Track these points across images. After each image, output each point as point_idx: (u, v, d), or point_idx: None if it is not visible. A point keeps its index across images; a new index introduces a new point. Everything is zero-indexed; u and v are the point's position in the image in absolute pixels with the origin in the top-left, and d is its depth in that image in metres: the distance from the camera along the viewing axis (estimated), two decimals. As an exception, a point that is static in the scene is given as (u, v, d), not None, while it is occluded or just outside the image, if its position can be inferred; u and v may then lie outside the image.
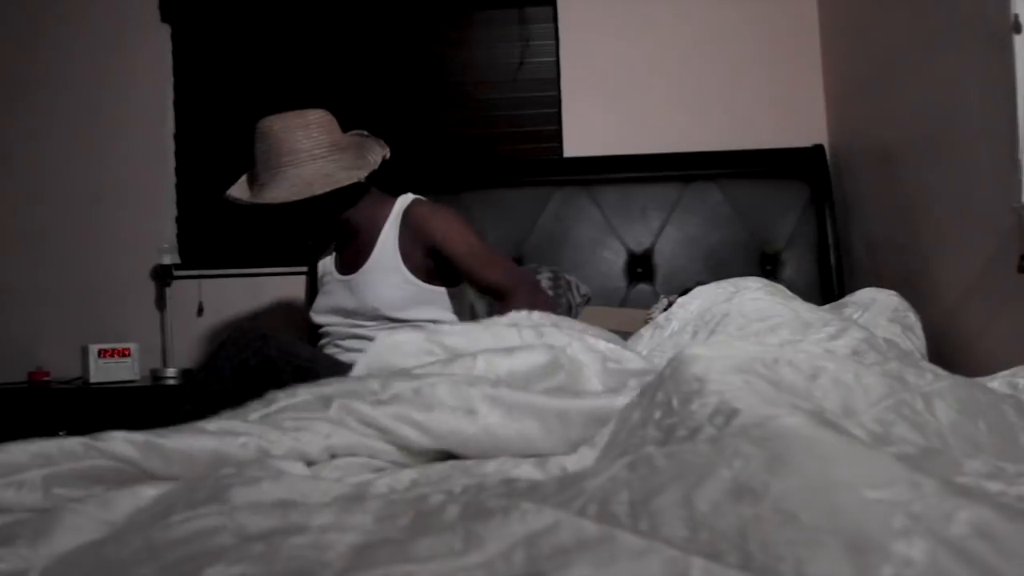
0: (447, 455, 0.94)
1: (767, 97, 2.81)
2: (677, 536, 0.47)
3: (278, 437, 0.89)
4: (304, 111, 1.94)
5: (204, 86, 3.02)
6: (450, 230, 1.90)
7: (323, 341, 2.00)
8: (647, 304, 2.51)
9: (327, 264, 2.07)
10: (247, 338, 1.66)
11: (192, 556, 0.51)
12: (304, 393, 1.00)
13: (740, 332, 1.23)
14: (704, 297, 1.87)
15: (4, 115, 3.05)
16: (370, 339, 1.82)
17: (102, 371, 2.54)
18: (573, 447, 0.94)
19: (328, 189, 1.84)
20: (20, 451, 0.73)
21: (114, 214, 3.00)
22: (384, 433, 0.94)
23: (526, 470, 0.81)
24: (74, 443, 0.77)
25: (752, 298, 1.50)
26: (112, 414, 2.43)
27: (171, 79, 3.02)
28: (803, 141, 2.73)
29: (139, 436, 0.81)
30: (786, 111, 2.81)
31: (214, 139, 3.01)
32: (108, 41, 3.02)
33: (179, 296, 2.91)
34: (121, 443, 0.79)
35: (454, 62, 2.90)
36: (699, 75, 2.83)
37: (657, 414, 0.83)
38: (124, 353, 2.58)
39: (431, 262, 1.93)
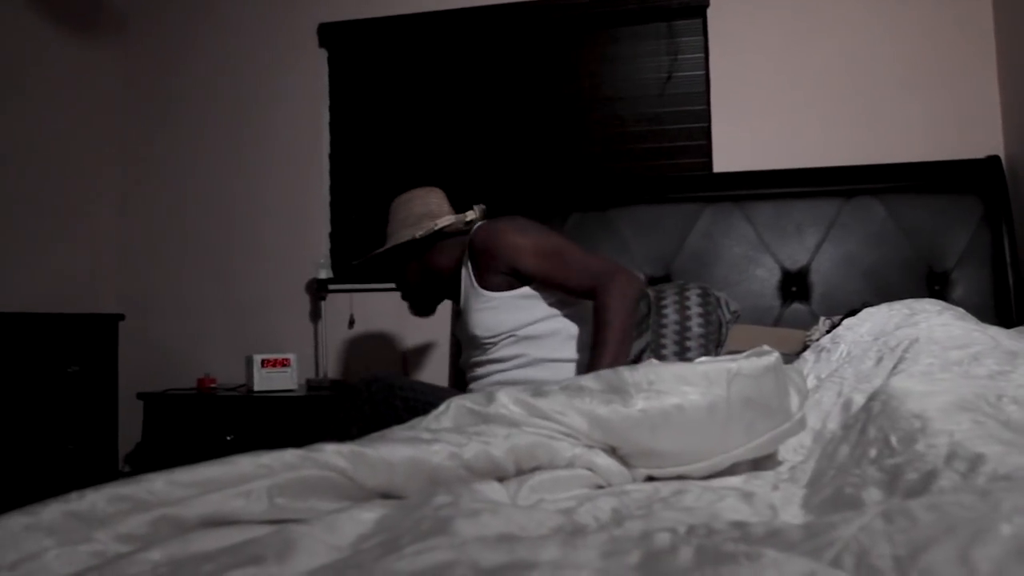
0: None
1: (935, 107, 2.64)
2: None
3: (465, 441, 0.90)
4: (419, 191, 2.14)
5: (357, 108, 3.15)
6: (517, 251, 1.88)
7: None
8: (802, 324, 2.40)
9: None
10: (372, 389, 1.76)
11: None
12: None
13: (939, 361, 1.15)
14: (875, 320, 1.77)
15: (173, 138, 3.30)
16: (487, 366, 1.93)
17: (264, 380, 2.69)
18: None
19: (388, 245, 2.05)
20: (247, 463, 0.78)
21: (273, 230, 3.18)
22: (549, 420, 0.96)
23: (732, 504, 0.78)
24: (291, 455, 0.80)
25: (941, 323, 1.40)
26: (273, 421, 2.59)
27: (327, 101, 3.18)
28: (976, 152, 2.54)
29: (345, 448, 0.84)
30: (957, 121, 2.62)
31: (366, 159, 3.13)
32: (268, 66, 3.22)
33: (331, 309, 3.04)
34: (332, 454, 0.82)
35: (600, 78, 2.89)
36: (859, 85, 2.69)
37: (872, 452, 0.79)
38: (284, 363, 2.72)
39: (511, 278, 1.91)
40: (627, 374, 0.98)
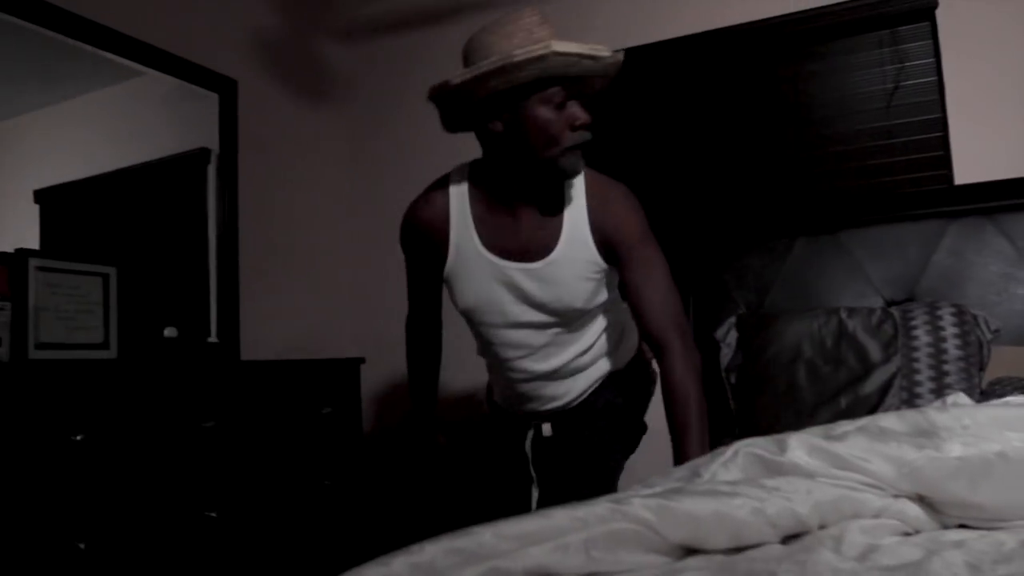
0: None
1: None
2: None
3: (766, 496, 0.88)
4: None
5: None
6: (640, 246, 1.61)
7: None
8: (1081, 346, 2.14)
9: (464, 237, 1.71)
10: None
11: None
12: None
13: None
14: None
15: (392, 191, 3.47)
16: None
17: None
18: None
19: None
20: (563, 516, 0.81)
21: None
22: (850, 470, 0.91)
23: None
24: (602, 508, 0.83)
25: None
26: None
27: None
28: None
29: (652, 501, 0.85)
30: None
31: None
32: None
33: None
34: (640, 507, 0.83)
35: (817, 95, 2.76)
36: None
37: None
38: (512, 401, 2.81)
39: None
40: (935, 415, 0.91)
